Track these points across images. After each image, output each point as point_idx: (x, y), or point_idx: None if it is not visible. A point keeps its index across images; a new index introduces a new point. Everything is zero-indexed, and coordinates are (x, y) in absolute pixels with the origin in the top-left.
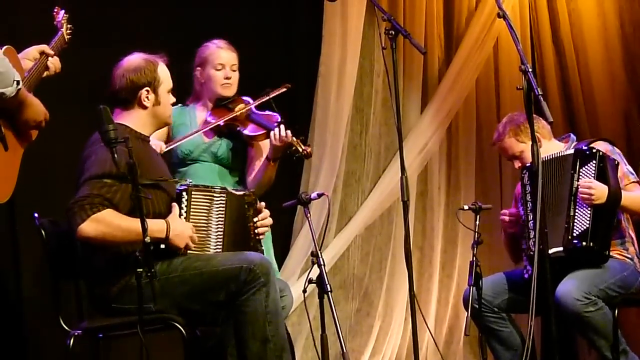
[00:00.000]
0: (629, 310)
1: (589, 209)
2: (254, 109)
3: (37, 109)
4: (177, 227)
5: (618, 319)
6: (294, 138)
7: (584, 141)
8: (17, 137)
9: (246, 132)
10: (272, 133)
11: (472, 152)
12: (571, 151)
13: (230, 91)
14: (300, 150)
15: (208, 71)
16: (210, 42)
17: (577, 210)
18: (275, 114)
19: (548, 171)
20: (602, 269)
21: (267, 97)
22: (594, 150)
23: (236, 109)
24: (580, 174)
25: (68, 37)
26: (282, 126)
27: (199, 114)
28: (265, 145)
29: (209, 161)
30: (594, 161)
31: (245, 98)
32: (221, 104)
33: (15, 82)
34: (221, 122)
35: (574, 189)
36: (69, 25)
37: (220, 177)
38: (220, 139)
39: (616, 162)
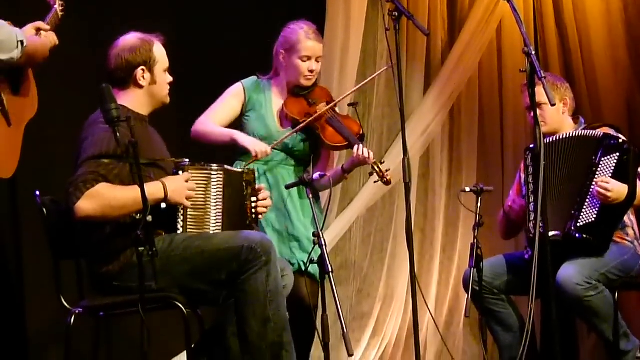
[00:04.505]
0: (629, 293)
1: (600, 202)
2: (334, 110)
3: (44, 48)
4: (171, 183)
5: (619, 303)
6: (375, 160)
7: (591, 125)
8: (19, 112)
9: (325, 138)
10: (354, 149)
11: (474, 134)
12: (597, 133)
13: (311, 82)
14: (380, 175)
15: (293, 60)
16: (298, 27)
17: (587, 201)
18: (355, 121)
19: (563, 149)
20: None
21: (347, 94)
22: (621, 141)
23: (318, 107)
24: (601, 163)
25: (61, 13)
26: (362, 145)
27: (275, 97)
28: (336, 153)
29: (279, 149)
30: (618, 154)
31: (324, 88)
32: (299, 94)
33: (19, 43)
34: (302, 124)
35: (591, 178)
36: (61, 2)
37: (289, 166)
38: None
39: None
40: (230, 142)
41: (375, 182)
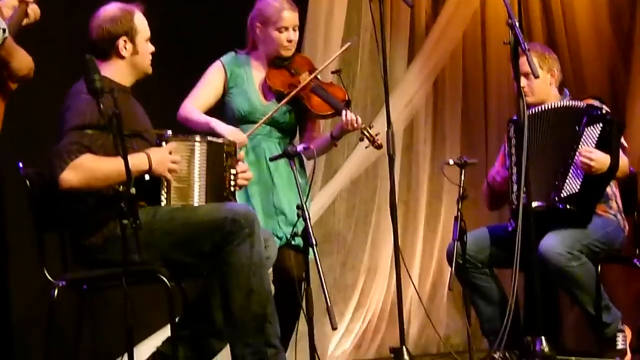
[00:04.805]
0: (612, 266)
1: (583, 173)
2: (317, 78)
3: (23, 59)
4: (155, 155)
5: (601, 275)
6: (363, 126)
7: (574, 98)
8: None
9: (312, 108)
10: (342, 115)
11: (458, 107)
12: (581, 104)
13: (291, 52)
14: (370, 140)
15: (270, 31)
16: None
17: (571, 171)
18: (340, 87)
19: (546, 120)
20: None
21: (329, 62)
22: (604, 112)
23: (301, 77)
24: (584, 133)
25: None
26: (349, 111)
27: (255, 71)
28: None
29: (265, 123)
30: (601, 124)
31: (304, 56)
32: (280, 65)
33: (1, 30)
34: (288, 96)
35: (575, 149)
36: None
37: (274, 139)
38: (278, 103)
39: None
40: (209, 130)
41: (366, 147)
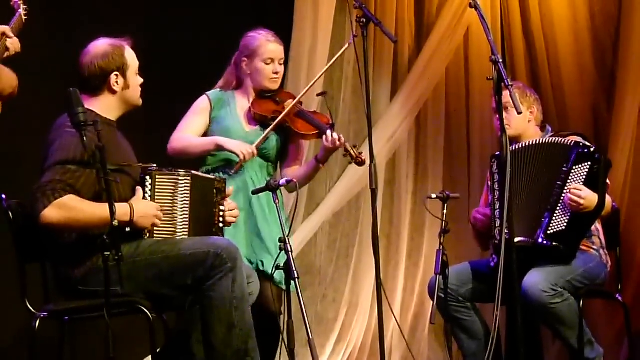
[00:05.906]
0: (594, 301)
1: (570, 210)
2: (301, 105)
3: (7, 80)
4: (140, 208)
5: (583, 310)
6: (346, 144)
7: (559, 134)
8: None
9: (297, 129)
10: (325, 136)
11: (440, 141)
12: (567, 141)
13: (277, 85)
14: (354, 156)
15: (256, 64)
16: (257, 33)
17: (558, 209)
18: (324, 114)
19: (531, 156)
20: None
21: (310, 85)
22: (592, 150)
23: (285, 104)
24: (572, 172)
25: (25, 17)
26: (333, 130)
27: (240, 102)
28: (306, 144)
29: None
30: (589, 163)
31: (288, 92)
32: (266, 96)
33: None
34: (276, 120)
35: (562, 186)
36: (24, 6)
37: (256, 167)
38: (262, 129)
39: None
40: (216, 148)
41: (349, 163)
